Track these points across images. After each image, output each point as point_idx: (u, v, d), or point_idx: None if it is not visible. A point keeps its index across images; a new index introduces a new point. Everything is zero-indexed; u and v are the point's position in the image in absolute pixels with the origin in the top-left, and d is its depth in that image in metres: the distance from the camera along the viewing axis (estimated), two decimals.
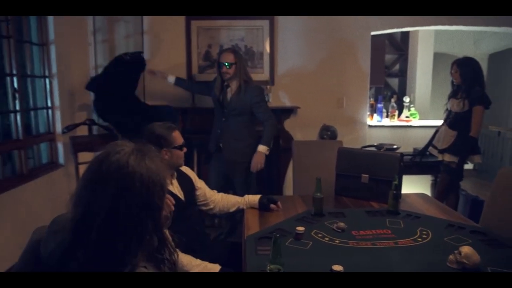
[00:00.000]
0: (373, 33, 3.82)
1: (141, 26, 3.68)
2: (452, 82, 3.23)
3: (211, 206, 2.14)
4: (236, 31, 3.74)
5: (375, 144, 3.70)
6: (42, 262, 0.98)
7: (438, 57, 5.44)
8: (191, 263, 1.65)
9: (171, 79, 3.32)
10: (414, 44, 5.24)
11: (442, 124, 3.29)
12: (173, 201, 1.05)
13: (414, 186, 3.78)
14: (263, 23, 3.73)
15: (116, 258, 0.89)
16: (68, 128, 3.30)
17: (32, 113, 3.18)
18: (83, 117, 3.58)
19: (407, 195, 2.40)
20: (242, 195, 2.22)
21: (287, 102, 3.84)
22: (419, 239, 1.70)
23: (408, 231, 1.79)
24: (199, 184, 2.11)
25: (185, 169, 2.08)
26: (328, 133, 3.78)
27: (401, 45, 5.41)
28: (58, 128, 3.33)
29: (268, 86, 3.75)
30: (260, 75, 3.77)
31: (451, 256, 1.45)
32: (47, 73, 3.24)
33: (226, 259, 1.84)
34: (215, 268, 1.67)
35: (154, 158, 0.97)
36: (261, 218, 2.00)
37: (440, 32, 5.10)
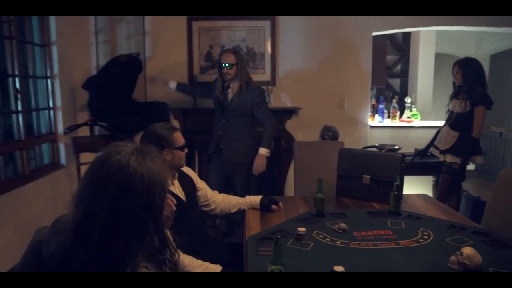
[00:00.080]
0: (374, 33, 3.82)
1: (143, 26, 3.68)
2: (454, 83, 3.23)
3: (212, 207, 2.14)
4: (237, 31, 3.74)
5: (377, 144, 3.70)
6: (43, 262, 0.98)
7: (439, 58, 5.43)
8: (192, 264, 1.65)
9: (173, 85, 3.32)
10: (415, 44, 5.23)
11: (444, 125, 3.29)
12: (175, 201, 1.05)
13: (415, 187, 3.77)
14: (265, 24, 3.73)
15: (117, 258, 0.90)
16: (69, 129, 3.30)
17: (34, 113, 3.18)
18: (85, 117, 3.59)
19: (408, 196, 2.40)
20: (242, 195, 2.22)
21: (288, 103, 3.84)
22: (421, 240, 1.70)
23: (409, 232, 1.78)
24: (201, 184, 2.11)
25: (186, 169, 2.08)
26: (329, 133, 3.78)
27: (402, 46, 5.40)
28: (60, 128, 3.34)
29: (269, 87, 3.75)
30: (261, 75, 3.77)
31: (452, 257, 1.45)
32: (48, 74, 3.24)
33: (227, 259, 1.84)
34: (217, 268, 1.67)
35: (155, 159, 0.97)
36: (262, 219, 2.00)
37: (441, 32, 5.09)
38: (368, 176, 2.29)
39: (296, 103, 3.82)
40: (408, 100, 4.38)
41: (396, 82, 5.68)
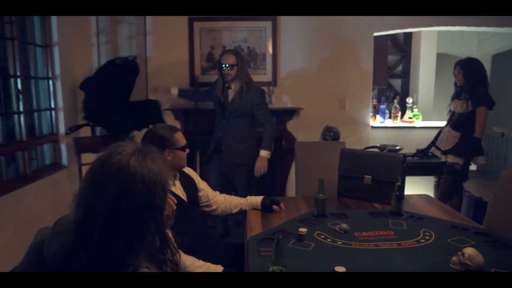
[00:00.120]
0: (375, 34, 3.82)
1: (144, 27, 3.69)
2: (455, 83, 3.22)
3: (214, 207, 2.14)
4: (238, 32, 3.75)
5: (378, 145, 3.70)
6: (45, 263, 0.98)
7: (441, 58, 5.42)
8: (193, 264, 1.65)
9: (174, 92, 3.31)
10: (417, 45, 5.23)
11: (445, 125, 3.28)
12: (175, 201, 1.05)
13: (417, 187, 3.77)
14: (266, 24, 3.74)
15: (118, 258, 0.90)
16: (71, 129, 3.31)
17: (35, 114, 3.19)
18: None
19: (410, 196, 2.39)
20: (243, 196, 2.22)
21: (289, 103, 3.84)
22: (422, 241, 1.70)
23: (411, 232, 1.78)
24: (202, 185, 2.12)
25: (187, 170, 2.08)
26: (330, 134, 3.78)
27: (403, 46, 5.40)
28: (62, 129, 3.34)
29: (270, 87, 3.75)
30: (262, 76, 3.77)
31: (454, 258, 1.45)
32: (50, 75, 3.25)
33: (229, 260, 1.84)
34: (218, 269, 1.67)
35: (155, 159, 0.97)
36: (263, 219, 2.00)
37: (443, 32, 5.09)
38: (370, 177, 2.29)
39: (297, 103, 3.82)
40: (409, 100, 4.38)
41: (397, 83, 5.67)
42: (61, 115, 3.33)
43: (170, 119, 3.66)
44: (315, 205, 2.00)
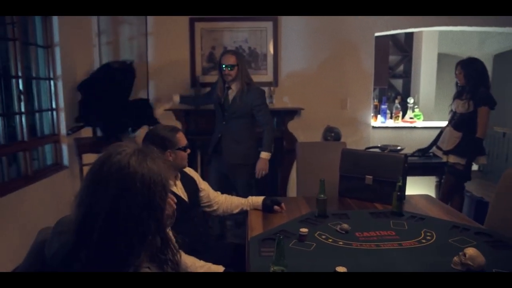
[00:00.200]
0: (377, 34, 3.81)
1: (145, 27, 3.69)
2: (457, 83, 3.22)
3: (215, 208, 2.14)
4: (239, 32, 3.75)
5: (379, 145, 3.69)
6: (46, 263, 0.99)
7: (442, 58, 5.42)
8: (195, 264, 1.65)
9: (176, 99, 3.30)
10: (418, 45, 5.22)
11: (447, 125, 3.28)
12: (175, 200, 1.05)
13: (418, 187, 3.76)
14: (267, 25, 3.74)
15: (119, 258, 0.90)
16: (72, 130, 3.32)
17: (37, 115, 3.20)
18: None
19: (411, 196, 2.39)
20: (244, 196, 2.22)
21: (290, 104, 3.84)
22: (423, 241, 1.70)
23: (412, 232, 1.78)
24: (203, 185, 2.12)
25: (188, 170, 2.09)
26: (332, 134, 3.78)
27: (405, 46, 5.40)
28: (63, 129, 3.35)
29: (271, 88, 3.75)
30: (263, 76, 3.77)
31: (455, 258, 1.44)
32: (51, 75, 3.26)
33: (230, 260, 1.84)
34: (219, 269, 1.67)
35: (156, 159, 0.97)
36: (264, 220, 2.00)
37: (444, 32, 5.08)
38: (371, 177, 2.29)
39: (298, 103, 3.82)
40: (410, 100, 4.37)
41: (398, 83, 5.67)
42: (62, 116, 3.33)
43: (171, 120, 3.67)
44: (316, 205, 2.00)
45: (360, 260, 1.52)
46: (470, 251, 1.41)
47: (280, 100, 3.80)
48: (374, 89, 4.35)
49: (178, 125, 3.62)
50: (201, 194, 2.09)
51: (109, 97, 3.21)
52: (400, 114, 4.26)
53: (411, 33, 5.21)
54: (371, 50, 3.82)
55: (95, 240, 0.88)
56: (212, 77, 3.59)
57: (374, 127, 4.05)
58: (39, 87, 3.20)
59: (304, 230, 1.71)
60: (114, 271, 0.89)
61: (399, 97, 4.72)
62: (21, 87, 2.83)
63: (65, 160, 3.39)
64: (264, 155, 2.91)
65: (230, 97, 2.93)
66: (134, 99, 3.53)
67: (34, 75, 3.13)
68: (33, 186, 2.83)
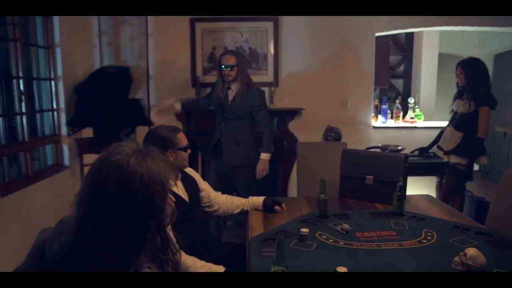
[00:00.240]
0: (377, 34, 3.81)
1: (146, 28, 3.69)
2: (458, 83, 3.22)
3: (215, 208, 2.14)
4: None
5: (380, 145, 3.69)
6: (47, 263, 0.99)
7: (443, 58, 5.42)
8: (195, 265, 1.65)
9: (178, 106, 3.30)
10: (418, 45, 5.22)
11: (447, 125, 3.28)
12: (173, 199, 1.05)
13: (419, 187, 3.76)
14: (267, 25, 3.74)
15: (119, 258, 0.90)
16: (73, 130, 3.32)
17: (37, 115, 3.20)
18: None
19: (411, 196, 2.39)
20: (244, 196, 2.22)
21: (291, 104, 3.84)
22: (424, 241, 1.70)
23: (412, 232, 1.78)
24: (203, 185, 2.12)
25: (189, 170, 2.09)
26: (332, 134, 3.78)
27: (405, 46, 5.39)
28: (64, 130, 3.35)
29: (272, 88, 3.75)
30: (264, 76, 3.77)
31: (456, 258, 1.44)
32: (52, 76, 3.26)
33: (230, 260, 1.84)
34: (220, 269, 1.67)
35: (155, 159, 0.97)
36: (265, 220, 2.00)
37: (445, 32, 5.08)
38: (371, 177, 2.29)
39: (299, 104, 3.82)
40: (411, 100, 4.37)
41: (399, 83, 5.67)
42: (63, 116, 3.33)
43: (172, 120, 3.67)
44: (317, 206, 2.00)
45: (360, 260, 1.52)
46: (471, 251, 1.40)
47: (281, 100, 3.80)
48: (375, 89, 4.35)
49: (179, 125, 3.62)
50: (202, 194, 2.09)
51: (103, 101, 3.23)
52: (401, 114, 4.26)
53: (412, 33, 5.21)
54: (371, 50, 3.82)
55: (95, 240, 0.88)
56: (213, 77, 3.59)
57: (374, 127, 4.05)
58: (40, 87, 3.20)
59: (304, 230, 1.71)
60: (115, 271, 0.89)
61: (399, 97, 4.72)
62: (21, 87, 2.83)
63: (66, 161, 3.39)
64: (264, 156, 2.92)
65: (230, 97, 2.93)
66: (126, 100, 3.54)
67: (34, 75, 3.14)
68: (34, 186, 2.84)
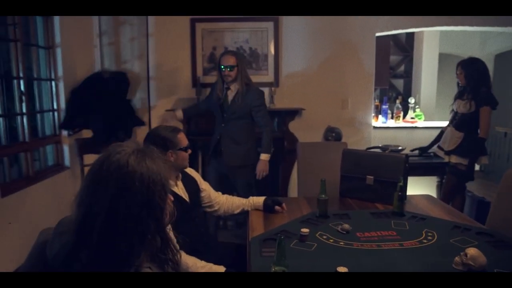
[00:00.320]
0: (377, 34, 3.81)
1: (146, 28, 3.70)
2: (458, 83, 3.21)
3: (216, 208, 2.14)
4: (240, 33, 3.75)
5: (380, 145, 3.69)
6: (48, 263, 0.99)
7: (443, 58, 5.41)
8: (196, 265, 1.65)
9: (179, 114, 3.29)
10: (419, 45, 5.21)
11: (448, 125, 3.27)
12: (172, 198, 1.04)
13: (419, 187, 3.76)
14: (268, 25, 3.74)
15: (119, 258, 0.90)
16: (73, 131, 3.32)
17: (38, 115, 3.20)
18: None
19: (412, 196, 2.39)
20: (244, 196, 2.22)
21: (291, 104, 3.83)
22: (425, 241, 1.69)
23: (413, 232, 1.78)
24: (204, 185, 2.12)
25: (189, 170, 2.09)
26: (332, 134, 3.78)
27: (406, 46, 5.39)
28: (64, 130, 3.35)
29: (272, 88, 3.75)
30: (264, 76, 3.77)
31: (457, 258, 1.44)
32: (53, 76, 3.26)
33: (231, 260, 1.84)
34: (220, 269, 1.67)
35: (155, 159, 0.97)
36: (265, 220, 2.00)
37: (445, 32, 5.07)
38: (372, 177, 2.28)
39: (299, 104, 3.82)
40: (411, 100, 4.37)
41: (399, 83, 5.66)
42: (63, 117, 3.34)
43: (172, 120, 3.67)
44: (317, 206, 2.00)
45: (361, 260, 1.51)
46: (472, 251, 1.40)
47: (281, 101, 3.80)
48: (375, 89, 4.35)
49: (179, 125, 3.62)
50: (202, 194, 2.09)
51: (100, 106, 3.24)
52: (401, 114, 4.26)
53: (412, 33, 5.21)
54: (372, 50, 3.82)
55: (95, 240, 0.88)
56: (213, 78, 3.58)
57: (375, 127, 4.05)
58: (40, 88, 3.21)
59: (305, 230, 1.71)
60: (115, 271, 0.89)
61: (400, 97, 4.72)
62: (22, 88, 2.83)
63: (66, 161, 3.39)
64: (264, 156, 2.92)
65: (230, 97, 2.93)
66: (122, 104, 3.56)
67: (35, 76, 3.14)
68: (35, 186, 2.84)
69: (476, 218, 2.54)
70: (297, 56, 3.81)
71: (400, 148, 3.60)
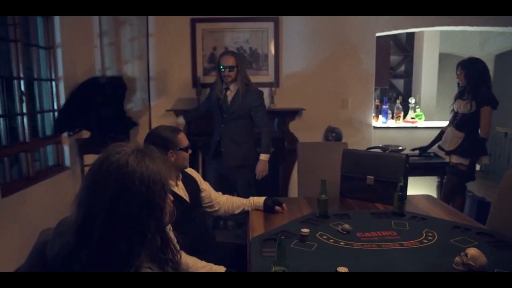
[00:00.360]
0: (378, 34, 3.81)
1: (146, 28, 3.70)
2: (459, 84, 3.21)
3: (216, 208, 2.14)
4: (240, 33, 3.75)
5: (380, 145, 3.69)
6: (48, 264, 0.99)
7: (443, 58, 5.41)
8: (196, 265, 1.65)
9: (181, 120, 3.27)
10: (419, 45, 5.21)
11: (448, 125, 3.27)
12: (171, 198, 1.05)
13: (419, 187, 3.76)
14: (268, 25, 3.74)
15: (119, 258, 0.90)
16: (73, 131, 3.32)
17: (38, 115, 3.20)
18: None
19: (412, 196, 2.39)
20: (244, 196, 2.22)
21: (291, 104, 3.83)
22: (425, 241, 1.69)
23: (413, 232, 1.78)
24: (204, 185, 2.12)
25: (190, 170, 2.09)
26: (333, 134, 3.78)
27: (406, 46, 5.39)
28: None
29: (273, 88, 3.75)
30: (265, 77, 3.77)
31: (457, 258, 1.44)
32: (53, 76, 3.26)
33: (231, 260, 1.84)
34: (220, 269, 1.67)
35: (154, 159, 0.98)
36: (266, 220, 2.00)
37: (445, 32, 5.07)
38: (372, 177, 2.28)
39: (299, 104, 3.82)
40: (412, 100, 4.37)
41: (399, 83, 5.66)
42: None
43: (172, 120, 3.67)
44: (317, 206, 2.00)
45: (361, 261, 1.51)
46: (472, 251, 1.40)
47: (281, 101, 3.80)
48: (375, 89, 4.35)
49: (179, 125, 3.63)
50: (203, 194, 2.09)
51: (96, 111, 3.25)
52: (402, 114, 4.26)
53: (412, 33, 5.21)
54: (372, 50, 3.82)
55: (95, 240, 0.88)
56: (214, 78, 3.57)
57: (375, 127, 4.05)
58: (41, 88, 3.21)
59: (305, 230, 1.71)
60: (115, 271, 0.89)
61: (400, 97, 4.72)
62: (22, 88, 2.84)
63: (67, 161, 3.39)
64: (264, 156, 2.93)
65: (229, 98, 2.93)
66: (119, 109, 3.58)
67: (35, 76, 3.14)
68: (35, 187, 2.84)
69: (476, 218, 2.53)
70: (297, 56, 3.81)
71: (400, 148, 3.60)
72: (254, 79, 3.08)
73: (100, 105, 3.29)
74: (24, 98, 2.84)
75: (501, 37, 5.47)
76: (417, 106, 4.44)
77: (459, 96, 3.18)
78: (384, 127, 4.15)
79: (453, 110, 3.24)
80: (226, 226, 3.66)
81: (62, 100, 3.31)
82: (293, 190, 3.76)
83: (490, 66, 4.77)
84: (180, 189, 1.94)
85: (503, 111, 3.78)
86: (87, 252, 0.89)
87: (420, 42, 5.17)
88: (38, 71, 3.15)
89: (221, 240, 3.12)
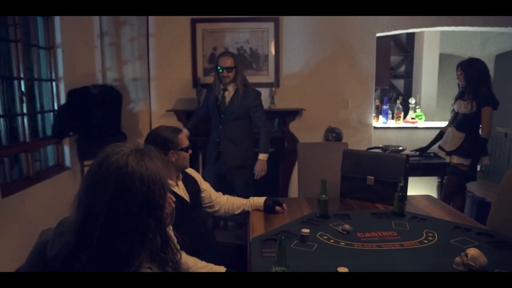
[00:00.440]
0: (378, 34, 3.81)
1: (147, 28, 3.70)
2: (459, 84, 3.21)
3: (217, 208, 2.14)
4: (241, 33, 3.75)
5: (381, 145, 3.69)
6: (48, 264, 0.99)
7: (444, 58, 5.41)
8: (196, 265, 1.65)
9: (186, 132, 3.25)
10: (419, 45, 5.21)
11: (448, 126, 3.27)
12: (173, 199, 1.05)
13: (420, 187, 3.76)
14: (268, 25, 3.74)
15: (120, 258, 0.90)
16: (73, 131, 3.33)
17: (39, 116, 3.21)
18: None
19: (412, 197, 2.39)
20: (243, 196, 2.22)
21: (292, 104, 3.84)
22: (425, 241, 1.69)
23: (413, 233, 1.78)
24: (204, 186, 2.12)
25: (190, 171, 2.09)
26: (333, 135, 3.78)
27: (406, 46, 5.39)
28: None
29: (273, 88, 3.75)
30: (265, 77, 3.77)
31: (457, 258, 1.44)
32: (53, 76, 3.27)
33: (231, 261, 1.84)
34: (221, 270, 1.67)
35: (154, 158, 0.98)
36: (266, 220, 2.00)
37: (446, 33, 5.07)
38: (372, 177, 2.28)
39: (299, 104, 3.82)
40: (412, 101, 4.37)
41: (400, 83, 5.66)
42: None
43: (173, 121, 3.67)
44: (317, 206, 2.00)
45: (361, 261, 1.51)
46: (472, 251, 1.40)
47: (281, 101, 3.80)
48: (376, 89, 4.35)
49: (180, 126, 3.62)
50: (203, 194, 2.09)
51: (91, 120, 3.26)
52: (402, 114, 4.26)
53: (413, 34, 5.20)
54: (372, 50, 3.82)
55: (95, 240, 0.88)
56: (213, 78, 3.59)
57: (375, 128, 4.05)
58: (41, 88, 3.21)
59: (305, 230, 1.71)
60: (115, 271, 0.89)
61: (400, 97, 4.72)
62: (23, 88, 2.84)
63: (67, 161, 3.40)
64: (262, 156, 2.93)
65: (227, 98, 2.93)
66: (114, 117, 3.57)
67: (36, 76, 3.14)
68: (35, 187, 2.84)
69: (476, 218, 2.53)
70: (298, 56, 3.81)
71: (400, 148, 3.60)
72: (254, 79, 3.08)
73: (90, 116, 3.30)
74: (24, 98, 2.85)
75: (501, 37, 5.46)
76: (417, 107, 4.44)
77: (459, 97, 3.18)
78: (384, 127, 4.15)
79: (453, 110, 3.24)
80: (226, 226, 3.66)
81: (62, 100, 3.31)
82: (293, 190, 3.76)
83: (491, 66, 4.78)
84: (181, 189, 1.94)
85: (503, 111, 3.78)
86: (87, 252, 0.89)
87: (420, 42, 5.17)
88: (38, 71, 3.15)
89: (221, 240, 3.12)
